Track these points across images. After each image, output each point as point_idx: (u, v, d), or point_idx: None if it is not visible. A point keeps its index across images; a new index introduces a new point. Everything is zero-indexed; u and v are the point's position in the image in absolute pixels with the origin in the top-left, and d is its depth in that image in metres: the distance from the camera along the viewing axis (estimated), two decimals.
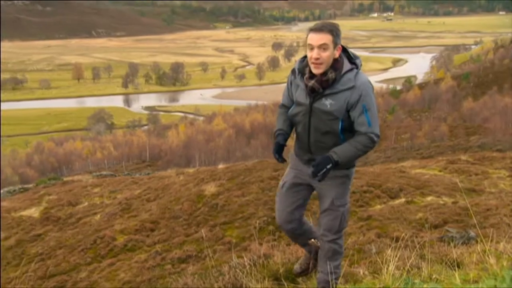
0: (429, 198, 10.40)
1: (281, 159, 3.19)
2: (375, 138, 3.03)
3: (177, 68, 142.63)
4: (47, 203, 16.13)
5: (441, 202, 9.97)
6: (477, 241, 4.65)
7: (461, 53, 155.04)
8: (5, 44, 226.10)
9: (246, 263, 3.68)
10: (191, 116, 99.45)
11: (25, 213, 15.35)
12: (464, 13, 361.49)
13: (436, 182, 12.11)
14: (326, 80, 2.96)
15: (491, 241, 3.60)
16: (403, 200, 10.46)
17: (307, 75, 3.04)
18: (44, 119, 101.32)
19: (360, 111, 2.99)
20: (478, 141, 31.67)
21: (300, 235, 3.43)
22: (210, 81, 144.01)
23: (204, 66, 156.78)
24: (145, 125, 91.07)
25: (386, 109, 69.75)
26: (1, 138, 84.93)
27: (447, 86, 76.72)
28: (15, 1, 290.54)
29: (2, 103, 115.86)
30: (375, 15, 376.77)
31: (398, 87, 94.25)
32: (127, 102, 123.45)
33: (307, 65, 3.05)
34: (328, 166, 2.99)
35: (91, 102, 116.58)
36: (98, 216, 13.77)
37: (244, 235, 9.97)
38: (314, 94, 3.02)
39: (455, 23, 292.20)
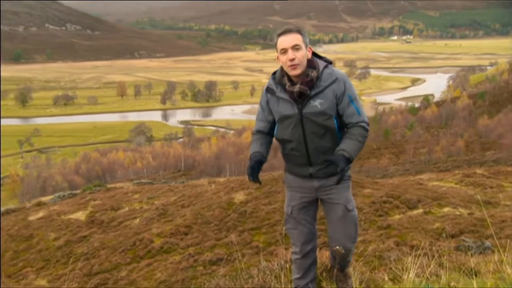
0: (445, 209, 10.16)
1: (256, 178, 2.86)
2: (367, 126, 2.83)
3: (210, 86, 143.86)
4: (92, 207, 16.32)
5: (457, 213, 9.73)
6: (493, 251, 4.49)
7: (477, 73, 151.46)
8: (59, 64, 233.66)
9: (274, 267, 3.63)
10: (222, 129, 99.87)
11: (73, 216, 15.57)
12: (479, 36, 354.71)
13: (452, 194, 11.82)
14: (310, 80, 2.74)
15: (508, 251, 3.47)
16: (421, 210, 10.24)
17: (288, 83, 2.79)
18: (90, 131, 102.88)
19: (348, 102, 2.78)
20: (493, 156, 30.82)
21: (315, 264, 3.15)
22: (240, 97, 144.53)
23: (235, 84, 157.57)
24: (181, 137, 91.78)
25: (405, 125, 68.73)
26: (51, 149, 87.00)
27: (463, 104, 75.08)
28: (69, 27, 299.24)
29: (55, 118, 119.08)
30: (395, 38, 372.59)
31: (417, 105, 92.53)
32: (165, 116, 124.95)
33: (283, 75, 2.83)
34: (348, 166, 2.76)
35: (133, 117, 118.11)
36: (138, 220, 13.91)
37: (270, 240, 9.92)
38: (302, 98, 2.75)
39: (471, 45, 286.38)
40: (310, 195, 2.94)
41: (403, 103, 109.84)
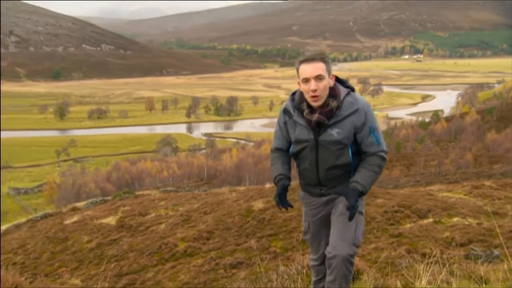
0: (455, 219, 9.93)
1: (286, 204, 2.72)
2: (385, 155, 2.65)
3: (232, 101, 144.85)
4: (122, 213, 16.32)
5: (466, 223, 9.50)
6: (502, 260, 4.37)
7: (485, 90, 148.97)
8: (94, 81, 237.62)
9: (292, 272, 3.60)
10: (242, 141, 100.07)
11: (104, 220, 15.60)
12: (487, 56, 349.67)
13: (461, 205, 11.55)
14: (330, 111, 2.53)
15: None
16: (431, 220, 10.03)
17: (306, 110, 2.58)
18: (121, 142, 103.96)
19: (367, 133, 2.58)
20: (501, 169, 30.10)
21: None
22: (259, 112, 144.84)
23: (255, 100, 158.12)
24: (204, 149, 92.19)
25: (416, 138, 67.90)
26: (86, 159, 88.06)
27: (472, 120, 73.84)
28: (103, 47, 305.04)
29: (89, 130, 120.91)
30: (406, 57, 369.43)
31: (427, 120, 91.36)
32: (190, 129, 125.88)
33: (302, 100, 2.61)
34: (358, 201, 2.58)
35: (160, 129, 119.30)
36: (163, 225, 13.89)
37: (287, 246, 9.83)
38: (320, 127, 2.56)
39: (479, 64, 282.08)
40: (323, 211, 2.79)
41: (414, 118, 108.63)
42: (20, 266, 11.54)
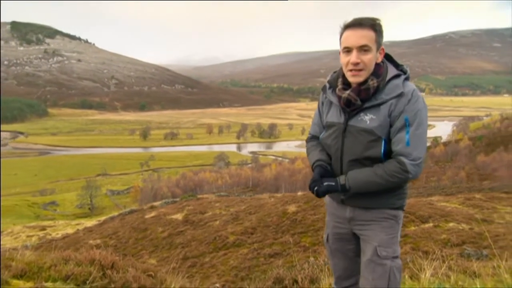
0: (451, 224, 9.44)
1: (323, 191, 1.66)
2: (408, 166, 1.53)
3: (272, 127, 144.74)
4: (187, 211, 16.55)
5: (460, 227, 9.00)
6: (490, 258, 4.12)
7: (475, 122, 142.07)
8: (169, 112, 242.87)
9: (320, 262, 3.54)
10: (280, 158, 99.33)
11: (174, 216, 15.86)
12: (477, 95, 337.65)
13: (456, 213, 10.96)
14: (365, 90, 1.59)
15: (503, 259, 3.21)
16: (431, 224, 9.58)
17: (340, 86, 1.66)
18: (187, 158, 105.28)
19: (402, 125, 1.56)
20: (489, 185, 28.29)
21: None
22: (293, 135, 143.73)
23: (290, 126, 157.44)
24: (250, 163, 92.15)
25: None
26: (161, 169, 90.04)
27: (465, 145, 70.92)
28: (176, 86, 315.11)
29: (164, 148, 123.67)
30: None
31: (428, 144, 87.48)
32: (239, 148, 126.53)
33: (340, 75, 1.69)
34: (326, 183, 1.62)
35: (216, 148, 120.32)
36: (218, 221, 13.99)
37: (315, 241, 9.65)
38: (351, 108, 1.63)
39: (471, 101, 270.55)
40: (343, 225, 1.78)
41: None
42: (113, 247, 11.94)
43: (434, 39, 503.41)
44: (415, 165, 1.55)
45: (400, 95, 1.58)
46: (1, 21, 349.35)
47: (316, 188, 1.63)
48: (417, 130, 1.57)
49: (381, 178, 1.56)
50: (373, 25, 1.57)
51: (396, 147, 1.57)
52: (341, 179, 1.62)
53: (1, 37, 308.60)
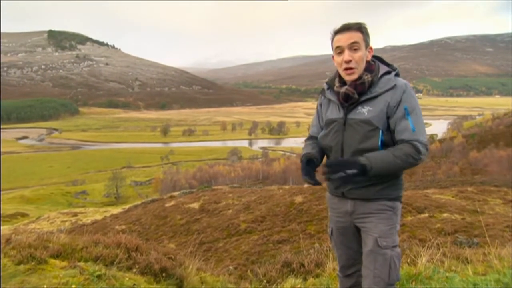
0: (445, 215, 9.31)
1: (310, 178, 1.65)
2: (421, 148, 1.53)
3: (281, 124, 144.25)
4: (203, 201, 16.58)
5: (453, 217, 8.88)
6: (480, 246, 4.06)
7: (469, 121, 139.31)
8: (187, 110, 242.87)
9: (324, 248, 3.53)
10: (288, 153, 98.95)
11: (191, 205, 15.90)
12: (470, 96, 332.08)
13: (450, 204, 10.80)
14: (361, 84, 1.61)
15: (493, 247, 3.17)
16: (426, 215, 9.47)
17: (337, 84, 1.69)
18: (203, 152, 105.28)
19: (402, 115, 1.56)
20: (480, 179, 27.85)
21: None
22: (301, 132, 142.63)
23: (298, 124, 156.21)
24: (260, 158, 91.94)
25: None
26: (180, 163, 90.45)
27: (459, 142, 69.73)
28: (194, 87, 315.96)
29: (183, 143, 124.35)
30: None
31: None
32: (250, 144, 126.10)
33: (336, 75, 1.73)
34: (350, 171, 1.48)
35: (230, 143, 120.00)
36: (230, 211, 14.03)
37: (319, 229, 9.63)
38: (349, 102, 1.64)
39: (465, 101, 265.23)
40: (344, 219, 1.75)
41: None
42: (137, 233, 12.11)
43: (432, 44, 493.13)
44: (425, 148, 1.56)
45: (394, 87, 1.60)
46: (39, 30, 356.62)
47: (330, 169, 1.52)
48: (418, 118, 1.59)
49: (400, 158, 1.52)
50: (359, 27, 1.61)
51: (403, 135, 1.56)
52: (361, 160, 1.50)
53: (40, 45, 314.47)
